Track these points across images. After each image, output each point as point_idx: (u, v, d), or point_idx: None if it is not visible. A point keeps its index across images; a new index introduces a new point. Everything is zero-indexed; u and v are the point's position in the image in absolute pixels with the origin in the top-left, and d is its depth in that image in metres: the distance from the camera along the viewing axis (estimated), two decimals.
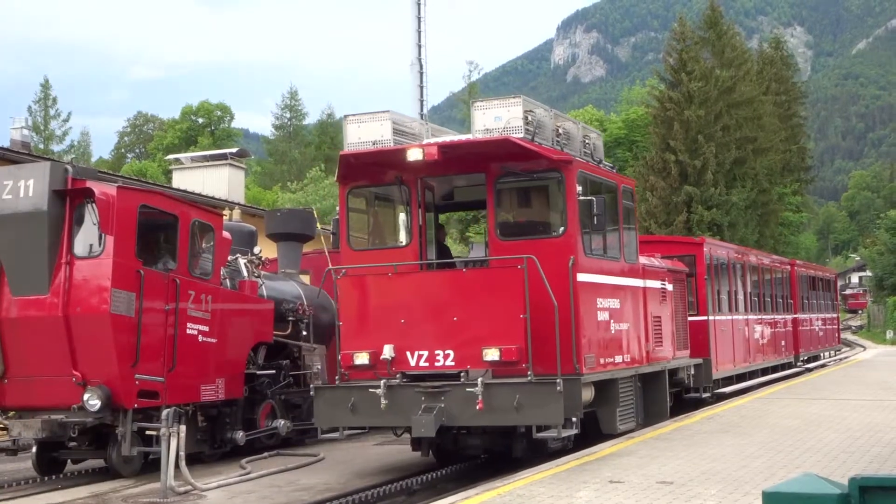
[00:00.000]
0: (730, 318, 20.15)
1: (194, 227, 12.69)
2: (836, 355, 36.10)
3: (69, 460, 12.65)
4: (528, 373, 10.36)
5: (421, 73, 37.89)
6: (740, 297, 21.43)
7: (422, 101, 37.83)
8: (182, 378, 12.25)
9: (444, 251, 13.11)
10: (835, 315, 35.88)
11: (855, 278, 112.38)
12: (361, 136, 11.71)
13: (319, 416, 11.43)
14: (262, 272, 14.95)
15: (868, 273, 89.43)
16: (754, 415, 14.80)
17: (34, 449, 12.25)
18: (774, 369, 24.33)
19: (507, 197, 12.11)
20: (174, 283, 12.13)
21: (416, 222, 11.84)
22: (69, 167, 11.84)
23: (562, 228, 11.39)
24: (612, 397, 12.10)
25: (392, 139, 11.62)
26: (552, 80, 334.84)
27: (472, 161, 11.64)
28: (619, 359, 12.38)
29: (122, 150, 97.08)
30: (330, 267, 12.37)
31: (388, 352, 10.82)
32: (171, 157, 45.33)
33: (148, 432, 11.55)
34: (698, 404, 16.87)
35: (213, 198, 26.08)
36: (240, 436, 13.32)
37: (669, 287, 15.22)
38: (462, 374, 10.63)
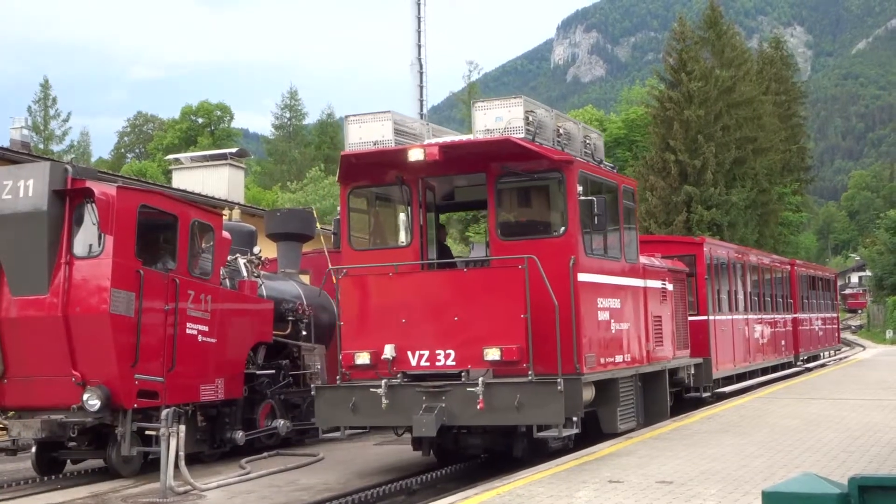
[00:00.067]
0: (730, 317, 20.15)
1: (194, 227, 12.68)
2: (835, 355, 36.10)
3: (69, 460, 12.64)
4: (529, 372, 10.37)
5: (421, 73, 37.93)
6: (740, 296, 21.43)
7: (421, 101, 37.86)
8: (182, 378, 12.24)
9: (444, 251, 13.11)
10: (834, 315, 35.89)
11: (855, 278, 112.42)
12: (363, 137, 11.73)
13: (321, 416, 11.43)
14: (262, 272, 14.94)
15: (868, 273, 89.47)
16: (754, 414, 14.80)
17: (34, 449, 12.24)
18: (774, 369, 24.33)
19: (507, 197, 12.11)
20: (174, 282, 12.13)
21: (417, 222, 11.86)
22: (69, 167, 11.83)
23: (562, 228, 11.40)
24: (612, 397, 12.10)
25: (393, 139, 11.64)
26: (552, 80, 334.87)
27: (473, 161, 11.65)
28: (619, 358, 12.38)
29: (122, 150, 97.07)
30: (331, 267, 12.37)
31: (389, 351, 10.83)
32: (170, 157, 45.34)
33: (147, 432, 11.54)
34: (698, 404, 16.87)
35: (212, 198, 26.07)
36: (239, 436, 13.31)
37: (670, 287, 15.22)
38: (463, 374, 10.64)
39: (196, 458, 12.51)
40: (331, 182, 54.89)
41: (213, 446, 13.23)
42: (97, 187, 11.61)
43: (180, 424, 10.38)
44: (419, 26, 38.29)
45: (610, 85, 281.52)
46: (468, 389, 10.40)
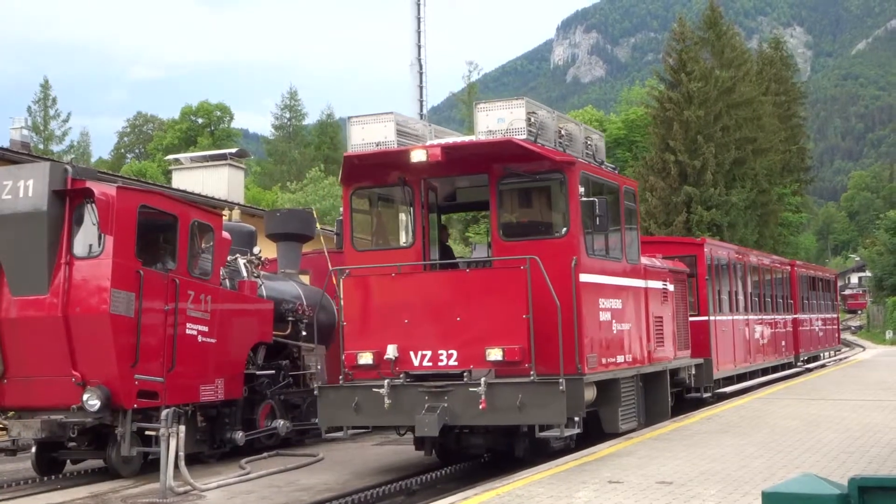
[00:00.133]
0: (730, 318, 20.15)
1: (194, 228, 12.67)
2: (835, 355, 36.10)
3: (68, 460, 12.63)
4: (531, 373, 10.38)
5: (421, 74, 37.92)
6: (741, 297, 21.44)
7: (421, 102, 37.86)
8: (181, 378, 12.23)
9: (446, 252, 13.14)
10: (834, 315, 35.90)
11: (854, 279, 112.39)
12: (365, 138, 11.77)
13: (323, 416, 11.43)
14: (262, 272, 14.93)
15: (867, 273, 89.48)
16: (754, 415, 14.79)
17: (33, 449, 12.23)
18: (775, 369, 24.34)
19: (509, 198, 12.12)
20: (174, 283, 12.11)
21: (419, 223, 11.89)
22: (69, 167, 11.82)
23: (564, 229, 11.41)
24: (614, 397, 12.11)
25: (396, 140, 11.67)
26: (552, 81, 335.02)
27: (475, 162, 11.67)
28: (620, 359, 12.39)
29: (122, 151, 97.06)
30: (335, 268, 12.37)
31: (391, 352, 10.85)
32: (170, 157, 45.31)
33: (147, 432, 11.53)
34: (699, 404, 16.86)
35: (212, 198, 26.06)
36: (239, 436, 13.30)
37: (671, 287, 15.22)
38: (465, 374, 10.67)
39: (196, 459, 12.50)
40: (330, 182, 54.86)
41: (212, 446, 13.23)
42: (97, 187, 11.60)
43: (180, 425, 10.37)
44: (419, 26, 38.29)
45: (610, 85, 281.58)
46: (470, 389, 10.42)
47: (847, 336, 59.57)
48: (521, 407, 10.28)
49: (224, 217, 14.42)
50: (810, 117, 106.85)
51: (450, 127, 17.80)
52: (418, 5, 38.26)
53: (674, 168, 47.03)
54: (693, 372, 16.20)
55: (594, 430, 12.04)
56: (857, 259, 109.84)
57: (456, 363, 10.70)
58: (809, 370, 27.89)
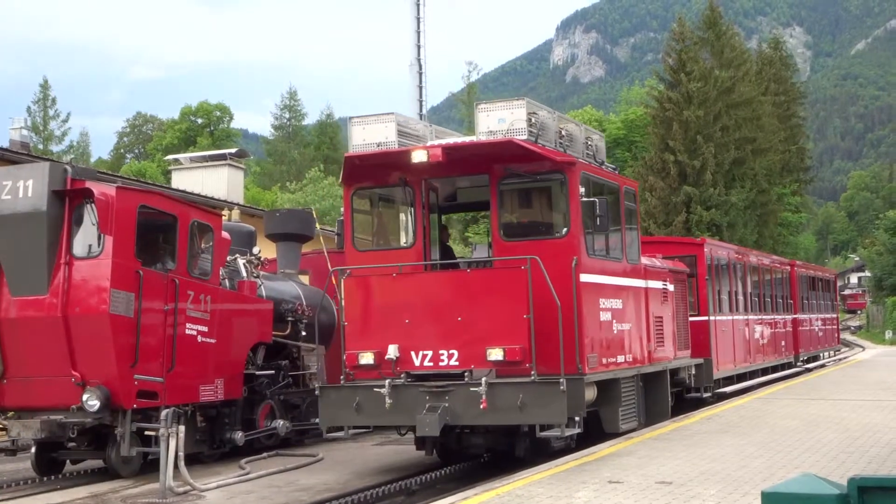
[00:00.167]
0: (730, 318, 20.15)
1: (193, 228, 12.66)
2: (835, 355, 36.10)
3: (68, 461, 12.62)
4: (532, 372, 10.39)
5: (420, 74, 37.96)
6: (741, 297, 21.44)
7: (421, 102, 37.90)
8: (181, 378, 12.22)
9: (447, 252, 13.15)
10: (834, 315, 35.90)
11: (854, 279, 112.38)
12: (366, 138, 11.78)
13: (324, 416, 11.43)
14: (261, 272, 14.92)
15: (867, 273, 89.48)
16: (753, 415, 14.79)
17: (33, 449, 12.22)
18: (774, 369, 24.34)
19: (510, 198, 12.13)
20: (173, 283, 12.11)
21: (420, 223, 11.90)
22: (68, 167, 11.81)
23: (565, 229, 11.42)
24: (614, 397, 12.12)
25: (396, 141, 11.69)
26: (551, 81, 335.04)
27: (476, 162, 11.68)
28: (621, 359, 12.39)
29: (122, 151, 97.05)
30: (336, 268, 12.37)
31: (392, 352, 10.86)
32: (170, 157, 45.31)
33: (147, 433, 11.52)
34: (699, 404, 16.86)
35: (212, 198, 26.05)
36: (239, 436, 13.29)
37: (671, 287, 15.22)
38: (466, 374, 10.68)
39: (195, 459, 12.49)
40: (330, 182, 54.86)
41: (212, 447, 13.22)
42: (97, 187, 11.59)
43: (180, 425, 10.37)
44: (418, 26, 38.34)
45: (609, 85, 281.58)
46: (471, 389, 10.43)
47: (846, 336, 59.58)
48: (521, 407, 10.29)
49: (223, 217, 14.41)
50: (810, 117, 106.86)
51: (449, 127, 17.80)
52: (418, 5, 38.30)
53: (673, 168, 47.04)
54: (693, 372, 16.21)
55: (594, 430, 12.05)
56: (857, 259, 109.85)
57: (457, 363, 10.71)
58: (809, 370, 27.89)
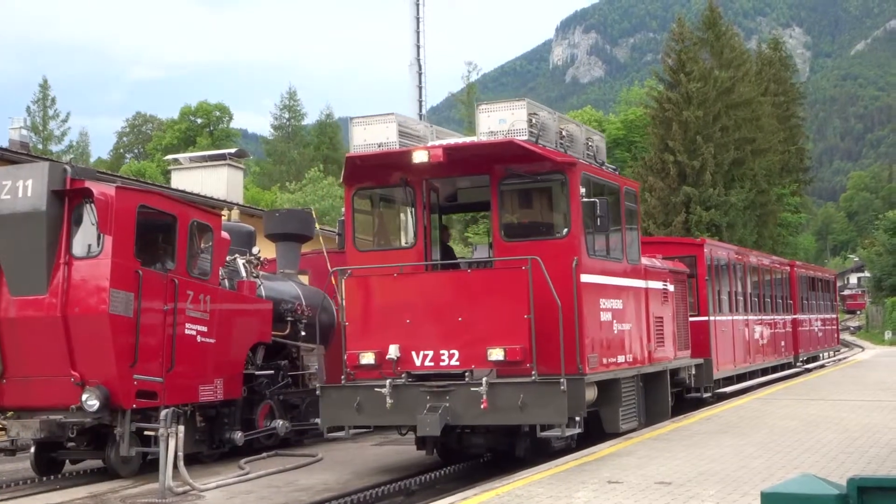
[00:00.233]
0: (730, 318, 20.15)
1: (193, 228, 12.65)
2: (834, 356, 36.11)
3: (67, 460, 12.61)
4: (533, 372, 10.39)
5: (420, 74, 37.94)
6: (740, 297, 21.44)
7: (421, 102, 37.89)
8: (180, 378, 12.21)
9: (448, 252, 13.14)
10: (834, 316, 35.91)
11: (853, 279, 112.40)
12: (367, 139, 11.80)
13: (325, 416, 11.43)
14: (261, 272, 14.91)
15: (867, 274, 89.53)
16: (753, 415, 14.78)
17: (32, 449, 12.20)
18: (774, 369, 24.35)
19: (511, 198, 12.13)
20: (173, 283, 12.10)
21: (420, 223, 11.91)
22: (68, 167, 11.80)
23: (565, 230, 11.43)
24: (614, 397, 12.12)
25: (397, 141, 11.70)
26: (551, 81, 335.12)
27: (477, 163, 11.68)
28: (621, 359, 12.39)
29: (121, 151, 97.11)
30: (337, 268, 12.37)
31: (393, 352, 10.86)
32: (169, 157, 45.32)
33: (146, 433, 11.51)
34: (699, 404, 16.87)
35: (211, 198, 26.05)
36: (238, 436, 13.28)
37: (671, 288, 15.22)
38: (467, 374, 10.68)
39: (195, 459, 12.48)
40: (329, 182, 54.89)
41: (211, 447, 13.21)
42: (96, 187, 11.58)
43: (179, 425, 10.36)
44: (418, 27, 38.32)
45: (609, 86, 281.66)
46: (472, 389, 10.43)
47: (846, 336, 59.58)
48: (522, 407, 10.30)
49: (223, 217, 14.40)
50: (809, 118, 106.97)
51: (449, 127, 17.79)
52: (417, 5, 38.29)
53: (673, 168, 47.07)
54: (693, 372, 16.21)
55: (595, 430, 12.05)
56: (856, 259, 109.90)
57: (457, 363, 10.71)
58: (809, 370, 27.90)
